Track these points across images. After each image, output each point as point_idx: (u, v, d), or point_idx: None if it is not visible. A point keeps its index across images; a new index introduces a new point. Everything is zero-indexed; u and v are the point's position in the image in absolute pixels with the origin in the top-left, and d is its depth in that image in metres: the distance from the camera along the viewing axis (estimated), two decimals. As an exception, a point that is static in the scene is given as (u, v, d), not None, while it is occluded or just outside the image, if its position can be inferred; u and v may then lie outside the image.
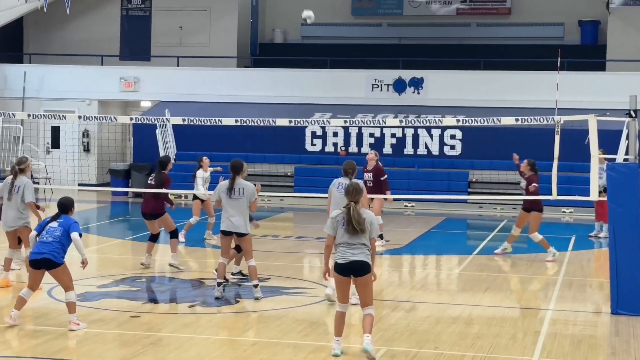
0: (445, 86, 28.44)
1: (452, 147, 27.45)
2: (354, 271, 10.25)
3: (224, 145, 27.55)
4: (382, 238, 19.15)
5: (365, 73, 29.03)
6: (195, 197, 19.51)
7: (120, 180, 28.13)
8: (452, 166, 27.09)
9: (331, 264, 10.58)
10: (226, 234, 13.41)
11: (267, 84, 29.39)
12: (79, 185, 27.23)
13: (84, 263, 11.88)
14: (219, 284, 13.56)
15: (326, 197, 13.60)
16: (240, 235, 13.39)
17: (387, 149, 27.66)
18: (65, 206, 11.89)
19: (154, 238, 16.18)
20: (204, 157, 19.69)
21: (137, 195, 27.20)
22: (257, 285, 13.59)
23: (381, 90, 28.82)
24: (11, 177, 14.23)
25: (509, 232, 18.66)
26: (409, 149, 27.63)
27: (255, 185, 13.59)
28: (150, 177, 16.42)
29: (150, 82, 29.94)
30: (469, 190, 26.67)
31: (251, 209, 13.44)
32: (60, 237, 11.61)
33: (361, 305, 10.44)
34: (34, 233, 11.73)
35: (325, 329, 11.96)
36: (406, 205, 26.48)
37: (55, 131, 29.34)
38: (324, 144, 28.02)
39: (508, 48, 31.31)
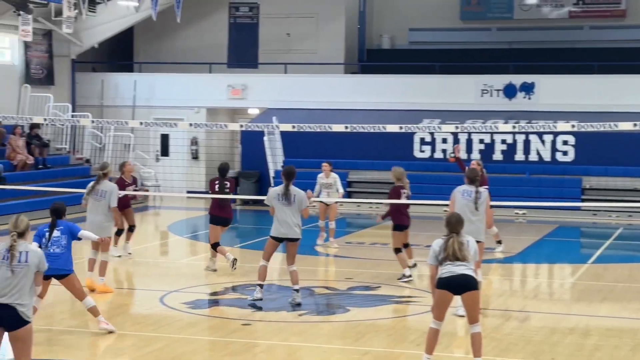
0: (557, 91, 27.83)
1: (565, 153, 26.83)
2: (460, 287, 9.78)
3: (332, 152, 27.41)
4: (500, 243, 19.02)
5: (474, 78, 28.62)
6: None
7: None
8: (564, 172, 26.49)
9: None
10: (277, 239, 13.43)
11: (375, 90, 29.20)
12: (188, 192, 27.45)
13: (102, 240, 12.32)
14: (260, 286, 13.52)
15: (435, 204, 13.37)
16: (292, 240, 13.40)
17: (498, 155, 27.20)
18: (60, 211, 11.68)
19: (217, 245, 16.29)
20: (324, 163, 19.56)
21: (244, 202, 27.32)
22: (298, 290, 13.54)
23: (491, 95, 28.36)
24: (94, 182, 14.45)
25: (625, 241, 18.11)
26: (519, 155, 27.12)
27: (306, 192, 13.63)
28: (225, 185, 16.38)
29: (257, 90, 30.05)
30: (583, 197, 26.02)
31: (304, 215, 13.43)
32: (67, 245, 11.52)
33: (469, 322, 9.98)
34: (35, 244, 10.91)
35: (437, 338, 11.70)
36: (517, 213, 25.96)
37: (165, 139, 29.69)
38: (433, 150, 27.70)
39: (623, 51, 30.47)
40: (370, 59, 32.95)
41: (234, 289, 14.92)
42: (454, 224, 9.92)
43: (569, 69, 28.78)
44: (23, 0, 22.57)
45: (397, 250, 15.64)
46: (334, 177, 19.50)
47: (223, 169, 16.48)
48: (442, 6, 32.77)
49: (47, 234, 11.45)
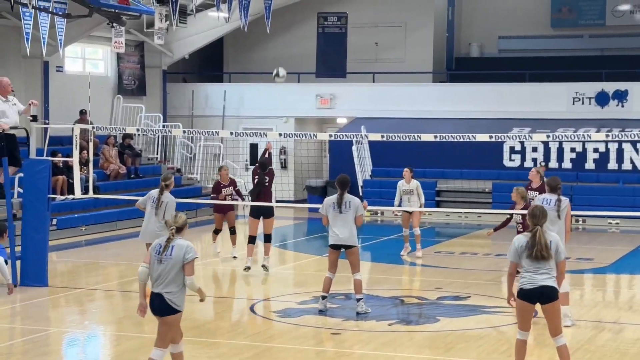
0: (651, 98, 27.33)
1: (659, 161, 26.32)
2: (541, 298, 9.48)
3: (420, 161, 27.28)
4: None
5: (565, 86, 28.24)
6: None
7: (317, 196, 28.33)
8: (659, 182, 25.95)
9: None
10: (335, 247, 13.52)
11: (464, 98, 29.02)
12: (277, 201, 27.60)
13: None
14: (323, 297, 13.61)
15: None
16: (348, 247, 13.44)
17: (590, 164, 26.80)
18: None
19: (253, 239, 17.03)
20: (405, 169, 19.42)
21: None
22: (361, 299, 13.54)
23: (582, 103, 27.96)
24: (157, 191, 14.57)
25: None
26: (612, 164, 26.67)
27: (362, 202, 13.71)
28: (265, 179, 17.10)
29: (345, 99, 30.11)
30: (677, 206, 25.48)
31: (357, 223, 13.45)
32: None
33: (551, 335, 9.74)
34: None
35: (529, 349, 11.53)
36: (610, 223, 25.52)
37: (254, 148, 29.92)
38: (523, 159, 27.39)
39: None
40: (459, 67, 32.77)
41: (323, 297, 14.95)
42: (539, 217, 9.57)
43: (662, 75, 28.22)
44: (116, 12, 22.96)
45: None
46: (416, 184, 19.27)
47: (262, 164, 17.17)
48: (532, 13, 32.43)
49: None
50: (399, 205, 19.11)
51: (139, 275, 9.37)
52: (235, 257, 18.62)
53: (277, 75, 18.76)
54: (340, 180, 13.67)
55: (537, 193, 17.90)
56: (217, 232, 19.02)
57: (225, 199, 18.38)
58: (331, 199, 13.58)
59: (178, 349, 9.53)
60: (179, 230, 9.24)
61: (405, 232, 19.42)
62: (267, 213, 17.04)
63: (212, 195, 18.80)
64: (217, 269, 18.24)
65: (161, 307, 9.20)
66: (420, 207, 19.06)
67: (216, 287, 16.83)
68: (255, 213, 17.00)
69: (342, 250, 13.53)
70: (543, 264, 9.45)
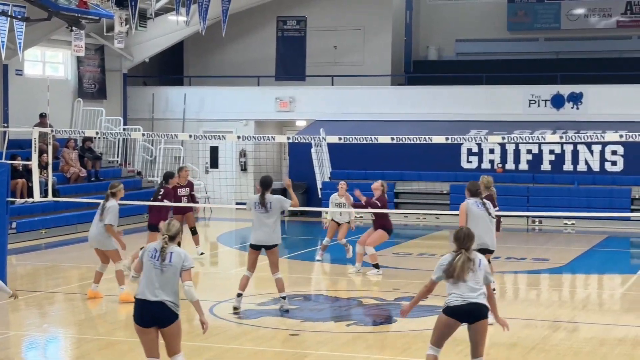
0: (605, 101, 27.67)
1: (614, 163, 26.63)
2: (469, 316, 9.06)
3: (379, 163, 27.54)
4: (377, 267, 17.68)
5: (522, 89, 28.55)
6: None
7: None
8: (613, 183, 26.27)
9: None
10: (255, 247, 13.75)
11: (422, 101, 29.26)
12: (237, 204, 27.69)
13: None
14: (238, 295, 13.83)
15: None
16: (270, 247, 13.69)
17: (546, 166, 27.10)
18: None
19: None
20: (341, 182, 19.12)
21: (292, 213, 27.48)
22: (285, 297, 13.85)
23: (538, 106, 28.27)
24: (104, 199, 14.77)
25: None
26: (568, 166, 26.97)
27: (283, 181, 14.04)
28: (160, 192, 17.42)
29: (305, 102, 30.23)
30: (632, 207, 25.84)
31: (292, 205, 13.77)
32: None
33: (472, 356, 9.27)
34: None
35: (485, 349, 11.70)
36: (566, 223, 25.85)
37: (214, 151, 29.98)
38: (480, 161, 27.65)
39: (672, 60, 30.26)
40: (417, 70, 33.00)
41: (238, 295, 15.04)
42: (464, 240, 9.16)
43: (617, 78, 28.58)
44: (75, 16, 22.95)
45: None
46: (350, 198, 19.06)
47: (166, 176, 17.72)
48: (489, 17, 32.74)
49: None
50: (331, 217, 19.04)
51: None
52: (202, 254, 18.84)
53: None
54: (262, 181, 13.74)
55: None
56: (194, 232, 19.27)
57: (180, 201, 18.39)
58: (252, 199, 13.74)
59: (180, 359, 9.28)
60: (172, 238, 9.18)
61: (327, 242, 19.10)
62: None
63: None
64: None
65: (163, 315, 9.03)
66: (350, 223, 18.89)
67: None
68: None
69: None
70: (465, 285, 9.04)
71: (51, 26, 24.53)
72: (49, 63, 28.52)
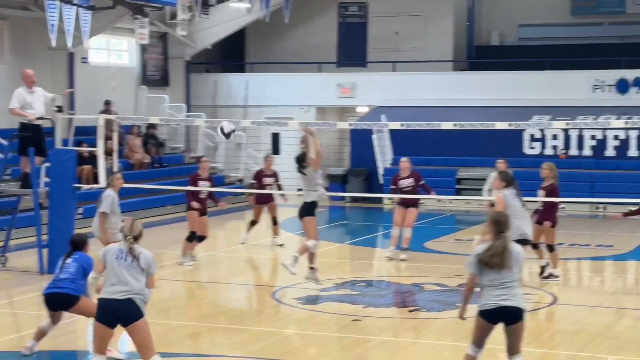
0: (671, 85, 27.34)
1: (681, 148, 26.30)
2: (506, 319, 8.70)
3: (440, 149, 27.49)
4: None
5: (586, 74, 28.23)
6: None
7: (338, 185, 28.53)
8: (679, 167, 25.95)
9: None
10: None
11: (484, 87, 29.08)
12: (298, 190, 27.78)
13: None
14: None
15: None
16: None
17: (610, 152, 26.82)
18: (77, 243, 10.86)
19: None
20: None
21: (353, 200, 27.58)
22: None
23: (603, 91, 27.95)
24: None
25: None
26: (633, 151, 26.66)
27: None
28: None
29: (366, 88, 30.22)
30: (698, 192, 25.48)
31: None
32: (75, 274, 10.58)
33: (510, 353, 8.90)
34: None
35: (549, 335, 11.77)
36: (631, 209, 25.53)
37: (276, 137, 30.12)
38: (543, 147, 27.46)
39: None
40: (479, 55, 32.79)
41: (343, 284, 15.16)
42: (503, 223, 8.76)
43: (684, 62, 28.16)
44: (139, 4, 23.22)
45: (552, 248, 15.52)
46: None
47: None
48: (553, 1, 32.37)
49: (61, 261, 10.76)
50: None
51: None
52: (282, 245, 18.94)
53: (222, 131, 17.35)
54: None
55: (412, 179, 17.79)
56: (254, 223, 19.03)
57: (264, 189, 18.35)
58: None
59: None
60: (136, 238, 9.14)
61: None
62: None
63: (252, 182, 18.64)
64: (240, 257, 18.47)
65: (132, 312, 8.96)
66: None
67: (239, 274, 17.06)
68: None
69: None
70: (504, 276, 8.66)
71: (116, 14, 24.84)
72: (114, 51, 28.88)
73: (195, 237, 16.80)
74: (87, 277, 10.57)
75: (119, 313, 8.95)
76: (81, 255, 10.62)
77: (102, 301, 9.07)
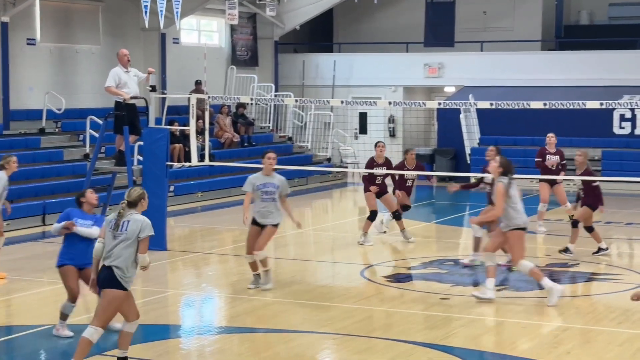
0: None
1: None
2: None
3: (528, 129, 27.30)
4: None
5: (677, 52, 27.79)
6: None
7: (426, 164, 28.53)
8: None
9: None
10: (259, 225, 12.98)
11: (573, 66, 28.77)
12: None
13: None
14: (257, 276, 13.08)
15: (636, 181, 13.19)
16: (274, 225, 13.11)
17: (701, 130, 26.40)
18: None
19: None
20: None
21: (441, 179, 27.57)
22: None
23: (695, 69, 27.49)
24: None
25: None
26: None
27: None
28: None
29: (454, 68, 30.15)
30: None
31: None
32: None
33: None
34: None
35: (639, 317, 11.70)
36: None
37: (363, 117, 30.25)
38: (633, 126, 27.09)
39: None
40: (568, 35, 32.42)
41: (431, 263, 15.26)
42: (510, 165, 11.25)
43: None
44: (230, -15, 23.58)
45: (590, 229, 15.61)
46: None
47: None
48: (646, -20, 31.88)
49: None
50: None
51: (95, 251, 9.09)
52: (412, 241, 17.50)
53: None
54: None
55: (558, 157, 17.86)
56: (371, 217, 17.06)
57: (375, 180, 17.07)
58: (256, 178, 13.12)
59: (130, 328, 9.14)
60: (131, 204, 8.88)
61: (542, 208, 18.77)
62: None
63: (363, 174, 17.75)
64: (328, 235, 18.65)
65: (106, 279, 8.82)
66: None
67: (330, 252, 17.26)
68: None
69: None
70: None
71: (206, -5, 25.24)
72: (204, 32, 29.30)
73: (374, 217, 16.90)
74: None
75: (99, 278, 8.91)
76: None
77: (101, 269, 9.00)
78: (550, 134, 18.34)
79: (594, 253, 15.65)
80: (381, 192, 17.02)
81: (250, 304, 12.30)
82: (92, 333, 8.91)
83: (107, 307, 8.90)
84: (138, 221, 8.82)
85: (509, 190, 12.20)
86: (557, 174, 17.96)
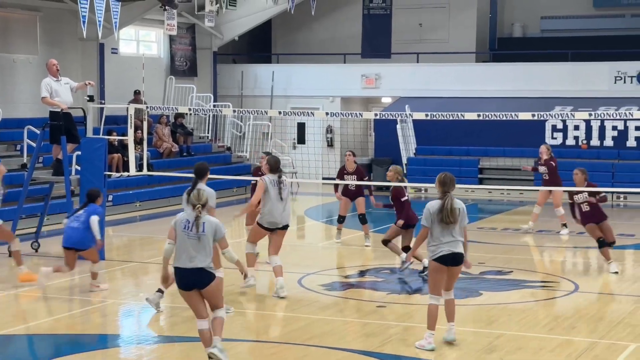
0: (693, 76, 27.48)
1: (700, 138, 26.47)
2: (453, 262, 10.53)
3: (463, 139, 27.76)
4: (565, 227, 19.54)
5: (607, 65, 28.41)
6: None
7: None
8: (700, 157, 26.12)
9: None
10: (268, 229, 13.47)
11: (507, 78, 29.29)
12: (323, 179, 28.15)
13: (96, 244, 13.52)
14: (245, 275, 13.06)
15: (566, 190, 13.52)
16: (283, 228, 13.68)
17: (631, 142, 27.02)
18: (93, 196, 13.64)
19: None
20: None
21: (378, 188, 27.83)
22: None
23: (624, 82, 28.12)
24: None
25: None
26: (654, 142, 26.88)
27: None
28: None
29: (390, 79, 30.49)
30: None
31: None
32: (84, 222, 13.40)
33: (446, 289, 10.71)
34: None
35: (571, 323, 11.96)
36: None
37: (301, 127, 30.46)
38: (565, 137, 27.66)
39: None
40: (501, 47, 32.98)
41: (367, 272, 15.44)
42: (449, 184, 10.51)
43: None
44: (168, -4, 23.60)
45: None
46: None
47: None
48: (576, -7, 32.58)
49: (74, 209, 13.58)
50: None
51: (165, 252, 9.93)
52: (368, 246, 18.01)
53: None
54: (272, 162, 13.37)
55: (546, 167, 18.84)
56: (340, 220, 18.21)
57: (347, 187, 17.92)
58: (269, 177, 13.29)
59: (220, 313, 9.90)
60: (204, 206, 9.70)
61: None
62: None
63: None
64: (266, 245, 18.73)
65: (203, 279, 9.65)
66: None
67: (265, 261, 17.32)
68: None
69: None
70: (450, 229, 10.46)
71: (145, 6, 25.24)
72: (143, 42, 29.29)
73: (343, 220, 18.05)
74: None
75: (193, 279, 9.65)
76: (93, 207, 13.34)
77: (176, 270, 9.77)
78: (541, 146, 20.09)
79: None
80: (354, 197, 18.07)
81: (189, 313, 12.31)
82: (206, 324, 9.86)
83: (217, 297, 9.85)
84: (213, 222, 9.73)
85: None
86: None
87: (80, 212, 13.49)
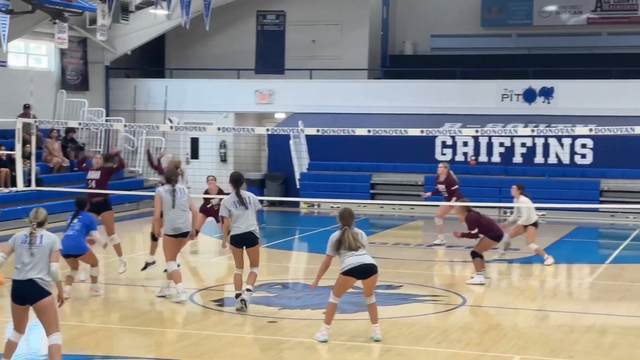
0: (575, 95, 28.29)
1: (583, 156, 27.26)
2: (364, 273, 11.58)
3: (356, 155, 28.08)
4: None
5: (495, 83, 29.11)
6: None
7: (256, 189, 28.90)
8: (583, 175, 26.91)
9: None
10: (239, 245, 13.44)
11: (398, 95, 29.76)
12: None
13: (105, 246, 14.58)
14: (237, 295, 13.40)
15: (454, 205, 13.84)
16: (253, 244, 13.62)
17: (518, 158, 27.71)
18: (82, 203, 14.38)
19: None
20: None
21: (271, 204, 27.99)
22: (250, 290, 13.59)
23: (511, 100, 28.86)
24: None
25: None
26: (539, 158, 27.57)
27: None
28: None
29: (284, 95, 30.67)
30: (601, 199, 26.49)
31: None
32: (79, 230, 14.08)
33: (367, 295, 11.79)
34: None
35: (458, 336, 12.20)
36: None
37: (195, 142, 30.39)
38: (454, 153, 28.20)
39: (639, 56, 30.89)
40: (393, 64, 33.48)
41: (259, 287, 15.50)
42: (347, 218, 11.56)
43: (587, 74, 29.12)
44: (59, 9, 23.32)
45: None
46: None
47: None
48: (463, 13, 33.28)
49: (69, 220, 14.11)
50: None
51: None
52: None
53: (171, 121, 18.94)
54: (234, 178, 13.81)
55: (444, 186, 19.31)
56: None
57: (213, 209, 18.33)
58: (230, 199, 13.51)
59: (55, 339, 9.70)
60: (40, 224, 9.79)
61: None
62: None
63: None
64: (160, 259, 18.67)
65: (34, 292, 9.56)
66: None
67: (157, 277, 17.25)
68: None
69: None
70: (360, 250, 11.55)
71: (35, 18, 24.86)
72: (33, 55, 28.85)
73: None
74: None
75: (24, 292, 9.60)
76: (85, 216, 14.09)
77: (13, 282, 9.71)
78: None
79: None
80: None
81: (79, 330, 12.21)
82: (17, 337, 10.03)
83: (50, 314, 9.73)
84: (51, 236, 9.85)
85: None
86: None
87: (75, 221, 14.12)
